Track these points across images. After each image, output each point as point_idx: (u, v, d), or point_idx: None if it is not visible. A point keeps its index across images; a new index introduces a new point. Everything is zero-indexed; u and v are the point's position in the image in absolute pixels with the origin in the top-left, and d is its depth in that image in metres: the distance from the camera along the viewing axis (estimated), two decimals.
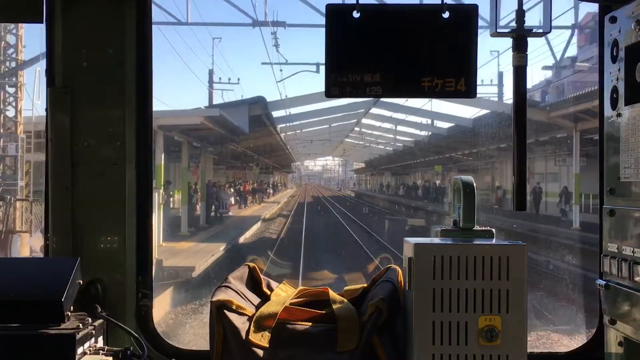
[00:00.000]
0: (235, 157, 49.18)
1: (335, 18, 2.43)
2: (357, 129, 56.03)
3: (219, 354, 2.29)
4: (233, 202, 42.45)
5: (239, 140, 37.75)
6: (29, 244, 18.79)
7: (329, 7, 2.42)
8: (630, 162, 2.29)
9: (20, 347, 2.18)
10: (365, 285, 2.52)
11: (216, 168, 48.03)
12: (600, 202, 2.61)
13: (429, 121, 47.22)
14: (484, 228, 2.33)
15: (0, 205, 20.92)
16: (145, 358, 2.42)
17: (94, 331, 2.36)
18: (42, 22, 2.67)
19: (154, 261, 2.89)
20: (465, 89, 2.44)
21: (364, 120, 50.13)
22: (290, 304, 2.38)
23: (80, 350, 2.23)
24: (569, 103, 27.30)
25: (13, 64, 25.09)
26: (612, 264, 2.36)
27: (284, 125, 46.48)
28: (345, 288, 2.53)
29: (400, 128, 51.92)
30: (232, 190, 44.49)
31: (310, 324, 2.32)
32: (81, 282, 2.47)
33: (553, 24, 2.52)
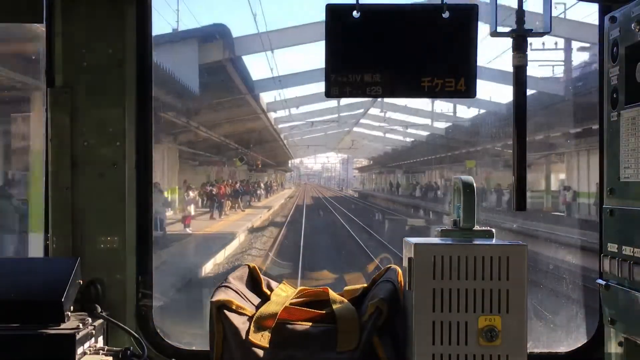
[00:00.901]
0: (208, 147, 36.07)
1: (335, 18, 2.43)
2: (373, 110, 42.91)
3: (219, 354, 2.29)
4: (192, 212, 30.74)
5: (209, 121, 25.75)
6: None
7: (329, 7, 2.42)
8: (630, 162, 2.28)
9: (20, 347, 2.18)
10: (365, 285, 2.52)
11: (192, 164, 38.17)
12: (600, 202, 2.61)
13: (489, 95, 34.81)
14: (483, 228, 2.33)
15: None
16: (145, 358, 2.42)
17: (94, 331, 2.36)
18: (42, 22, 2.66)
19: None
20: (465, 88, 2.44)
21: (387, 98, 35.03)
22: (290, 304, 2.38)
23: (80, 350, 2.23)
24: None
25: None
26: (612, 264, 2.36)
27: (271, 99, 32.40)
28: (345, 288, 2.53)
29: (437, 109, 39.51)
30: (191, 193, 32.76)
31: (310, 324, 2.32)
32: (81, 282, 2.47)
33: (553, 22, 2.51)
